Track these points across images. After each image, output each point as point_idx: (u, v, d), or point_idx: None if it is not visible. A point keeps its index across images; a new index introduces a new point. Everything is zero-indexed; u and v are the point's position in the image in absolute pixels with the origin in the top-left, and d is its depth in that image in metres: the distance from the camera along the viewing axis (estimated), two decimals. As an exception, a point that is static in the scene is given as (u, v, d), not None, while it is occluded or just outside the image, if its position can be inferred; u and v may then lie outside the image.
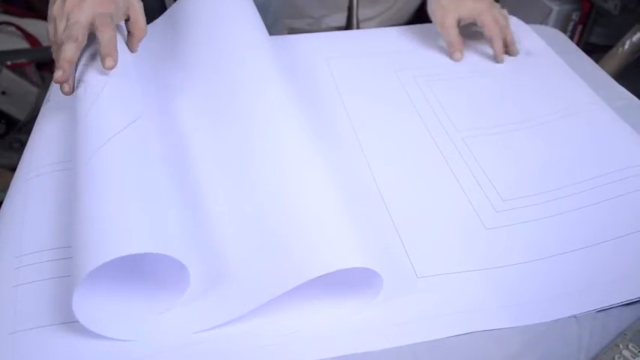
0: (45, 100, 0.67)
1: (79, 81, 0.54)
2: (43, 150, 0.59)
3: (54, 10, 0.56)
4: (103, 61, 0.53)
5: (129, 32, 0.62)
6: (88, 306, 0.41)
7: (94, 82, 0.53)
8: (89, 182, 0.45)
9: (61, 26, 0.55)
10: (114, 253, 0.39)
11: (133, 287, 0.45)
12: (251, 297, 0.43)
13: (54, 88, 0.67)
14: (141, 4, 0.61)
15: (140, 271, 0.45)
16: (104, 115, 0.50)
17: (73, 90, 0.55)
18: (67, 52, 0.52)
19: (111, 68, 0.54)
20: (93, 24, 0.54)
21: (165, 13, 0.72)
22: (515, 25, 0.81)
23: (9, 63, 1.31)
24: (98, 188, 0.44)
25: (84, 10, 0.54)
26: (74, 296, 0.39)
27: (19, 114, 1.32)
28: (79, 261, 0.40)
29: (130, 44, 0.61)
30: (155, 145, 0.53)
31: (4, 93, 1.30)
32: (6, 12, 1.42)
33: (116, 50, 0.54)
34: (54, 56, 0.55)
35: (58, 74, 0.52)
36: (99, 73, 0.54)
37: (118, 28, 0.59)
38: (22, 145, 0.64)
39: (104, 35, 0.54)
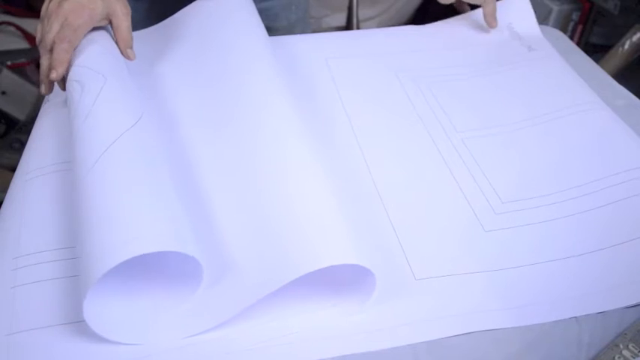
0: (45, 100, 0.67)
1: (73, 81, 0.54)
2: (43, 150, 0.59)
3: (42, 10, 0.57)
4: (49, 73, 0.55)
5: (115, 39, 0.59)
6: (98, 311, 0.41)
7: (92, 85, 0.53)
8: (96, 185, 0.45)
9: (46, 29, 0.56)
10: (132, 252, 0.39)
11: (139, 289, 0.45)
12: (248, 294, 0.43)
13: (54, 88, 0.67)
14: (127, 10, 0.58)
15: (145, 272, 0.45)
16: (105, 118, 0.50)
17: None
18: (43, 63, 0.56)
19: (54, 80, 0.55)
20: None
21: (171, 18, 0.71)
22: (520, 14, 0.80)
23: (9, 63, 1.31)
24: (108, 190, 0.44)
25: (58, 17, 0.55)
26: (85, 302, 0.39)
27: (19, 114, 1.32)
28: (90, 264, 0.40)
29: (122, 52, 0.59)
30: (159, 145, 0.53)
31: (4, 93, 1.30)
32: (6, 12, 1.42)
33: (62, 65, 0.54)
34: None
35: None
36: (95, 73, 0.54)
37: (105, 28, 0.59)
38: (22, 145, 0.64)
39: (56, 48, 0.54)
